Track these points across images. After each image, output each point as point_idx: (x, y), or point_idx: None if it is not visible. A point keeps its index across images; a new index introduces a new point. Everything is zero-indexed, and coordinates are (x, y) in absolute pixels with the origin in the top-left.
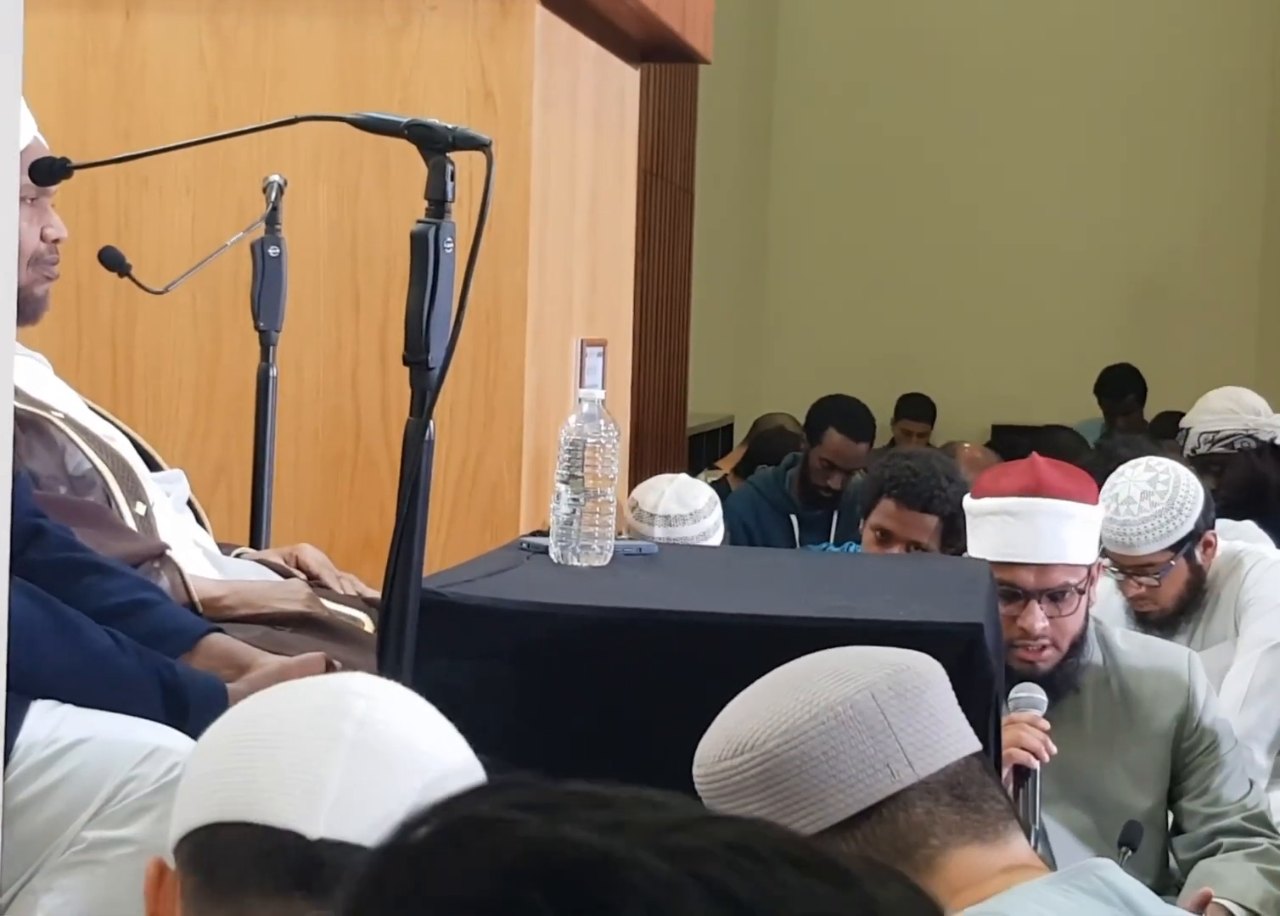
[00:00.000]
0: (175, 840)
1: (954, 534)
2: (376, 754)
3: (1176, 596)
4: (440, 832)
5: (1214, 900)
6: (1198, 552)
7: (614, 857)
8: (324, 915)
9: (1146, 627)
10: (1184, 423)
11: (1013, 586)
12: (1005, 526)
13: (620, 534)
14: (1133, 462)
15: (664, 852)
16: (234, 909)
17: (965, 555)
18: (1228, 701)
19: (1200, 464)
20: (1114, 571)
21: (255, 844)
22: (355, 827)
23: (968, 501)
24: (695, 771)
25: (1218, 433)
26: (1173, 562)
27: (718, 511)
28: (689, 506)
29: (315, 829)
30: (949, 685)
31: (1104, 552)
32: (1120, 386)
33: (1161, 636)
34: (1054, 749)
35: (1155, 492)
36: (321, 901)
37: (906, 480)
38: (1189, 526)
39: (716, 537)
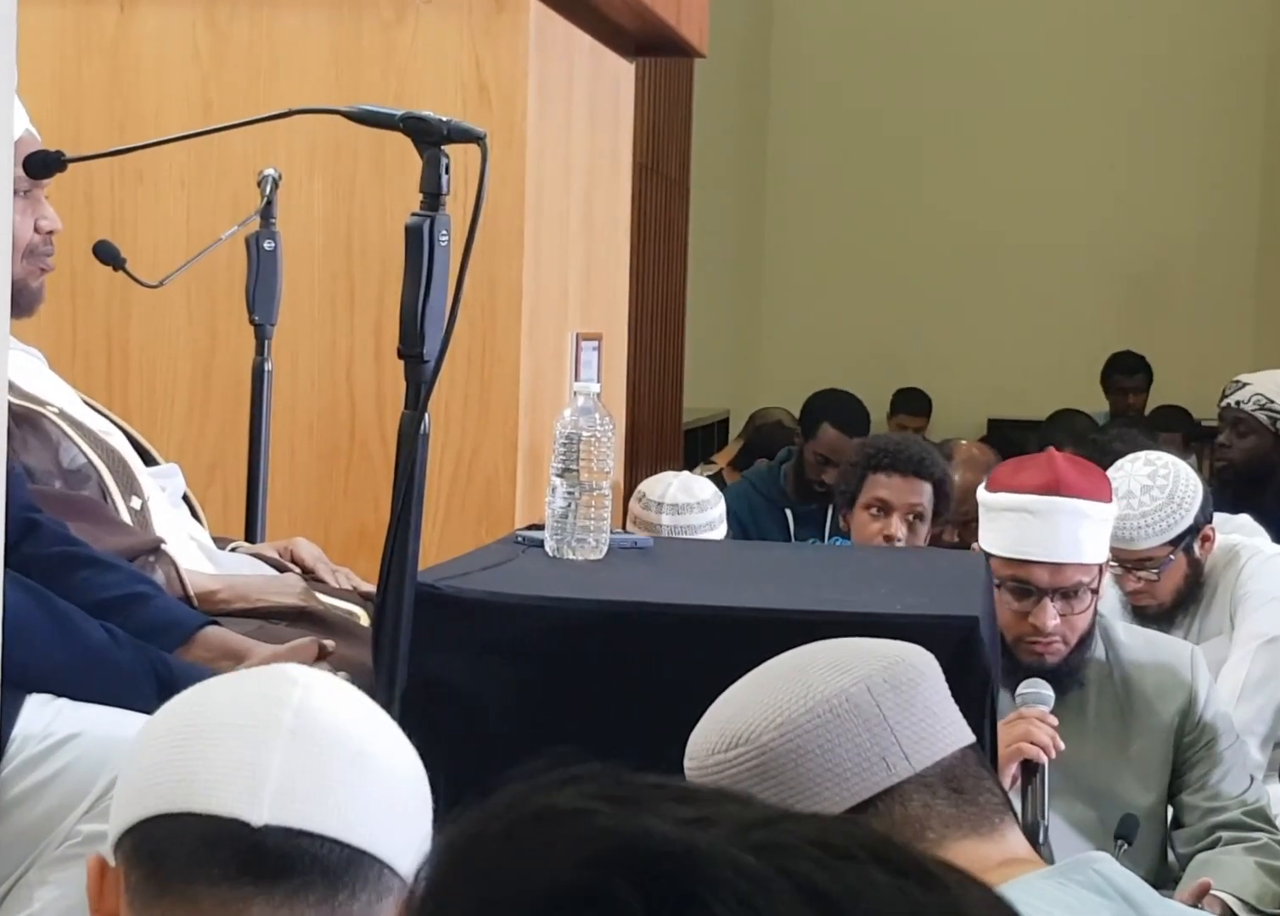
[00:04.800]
0: (117, 835)
1: (944, 500)
2: (315, 740)
3: (1174, 590)
4: (521, 822)
5: (1211, 892)
6: (1196, 547)
7: (702, 851)
8: (269, 901)
9: (1143, 621)
10: (1244, 377)
11: (1026, 583)
12: (1022, 523)
13: (624, 525)
14: (1131, 457)
15: (752, 847)
16: (180, 899)
17: (972, 545)
18: (1223, 695)
19: (1232, 419)
20: (1112, 565)
21: (199, 833)
22: (298, 813)
23: (982, 494)
24: (687, 764)
25: (1273, 401)
26: (1172, 557)
27: (722, 506)
28: (695, 496)
29: (259, 815)
30: (943, 677)
31: None
32: (1130, 367)
33: (1158, 630)
34: (1062, 744)
35: (1155, 487)
36: (267, 888)
37: (893, 450)
38: (1188, 521)
39: (720, 531)
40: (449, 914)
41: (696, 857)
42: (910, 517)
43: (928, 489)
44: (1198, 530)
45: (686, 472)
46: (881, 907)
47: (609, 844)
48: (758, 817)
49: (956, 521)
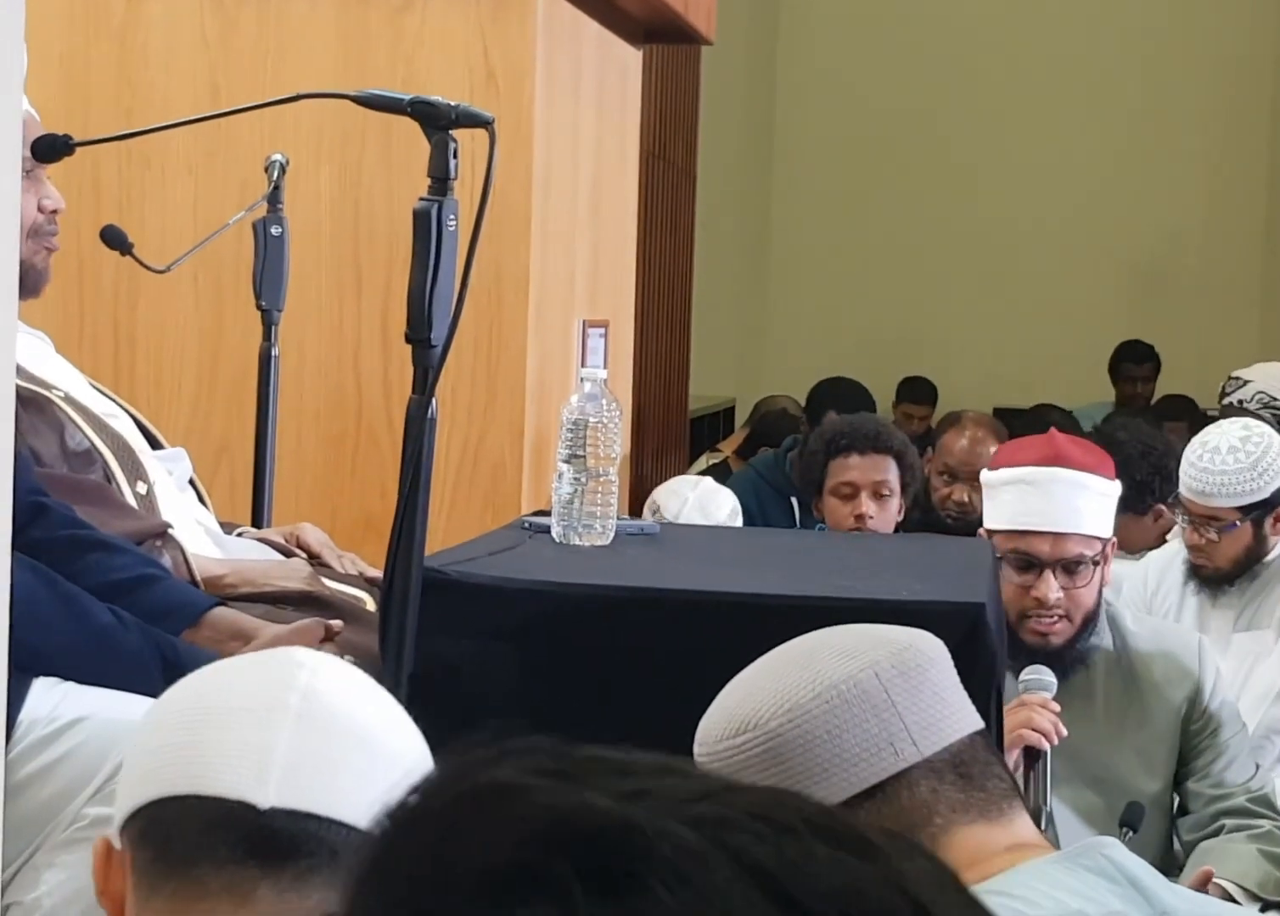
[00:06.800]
0: (124, 817)
1: (909, 471)
2: (321, 722)
3: (1233, 558)
4: (458, 799)
5: (1214, 880)
6: (1266, 522)
7: (640, 826)
8: (275, 884)
9: (1199, 583)
10: (1245, 373)
11: (1028, 555)
12: (1022, 495)
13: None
14: (1232, 419)
15: (690, 821)
16: (186, 881)
17: (978, 531)
18: (1259, 691)
19: (1232, 416)
20: (1183, 518)
21: (206, 816)
22: (304, 796)
23: (985, 474)
24: (696, 750)
25: (1276, 400)
26: (1238, 523)
27: (739, 522)
28: (712, 518)
29: (265, 798)
30: (952, 663)
31: (1176, 498)
32: (1139, 355)
33: (1209, 596)
34: (1064, 731)
35: (1243, 450)
36: (274, 870)
37: (848, 432)
38: (1265, 493)
39: None
40: (385, 893)
41: (633, 833)
42: (878, 496)
43: (890, 463)
44: (1273, 506)
45: (706, 482)
46: (821, 880)
47: (546, 821)
48: (697, 790)
49: (967, 478)
